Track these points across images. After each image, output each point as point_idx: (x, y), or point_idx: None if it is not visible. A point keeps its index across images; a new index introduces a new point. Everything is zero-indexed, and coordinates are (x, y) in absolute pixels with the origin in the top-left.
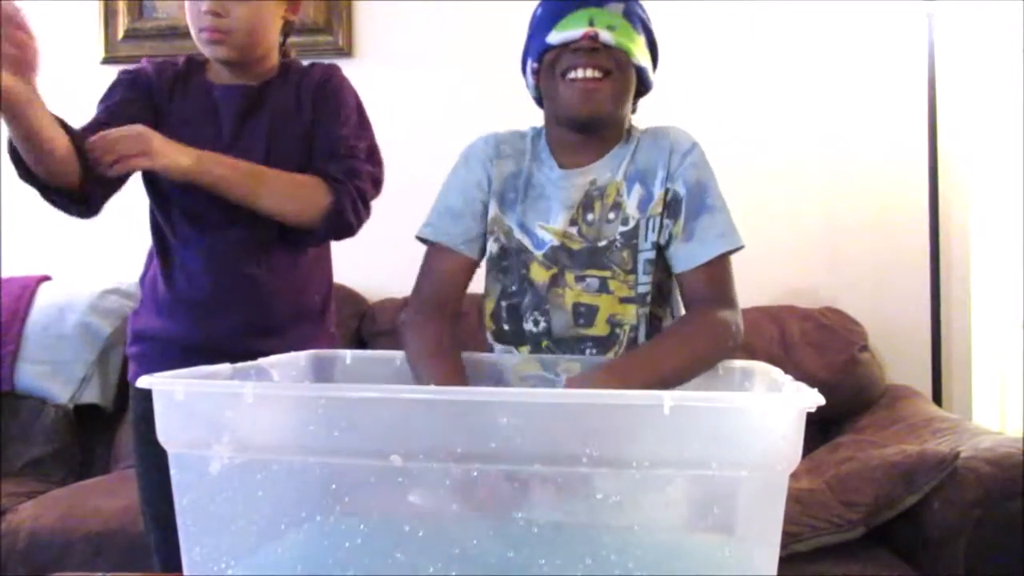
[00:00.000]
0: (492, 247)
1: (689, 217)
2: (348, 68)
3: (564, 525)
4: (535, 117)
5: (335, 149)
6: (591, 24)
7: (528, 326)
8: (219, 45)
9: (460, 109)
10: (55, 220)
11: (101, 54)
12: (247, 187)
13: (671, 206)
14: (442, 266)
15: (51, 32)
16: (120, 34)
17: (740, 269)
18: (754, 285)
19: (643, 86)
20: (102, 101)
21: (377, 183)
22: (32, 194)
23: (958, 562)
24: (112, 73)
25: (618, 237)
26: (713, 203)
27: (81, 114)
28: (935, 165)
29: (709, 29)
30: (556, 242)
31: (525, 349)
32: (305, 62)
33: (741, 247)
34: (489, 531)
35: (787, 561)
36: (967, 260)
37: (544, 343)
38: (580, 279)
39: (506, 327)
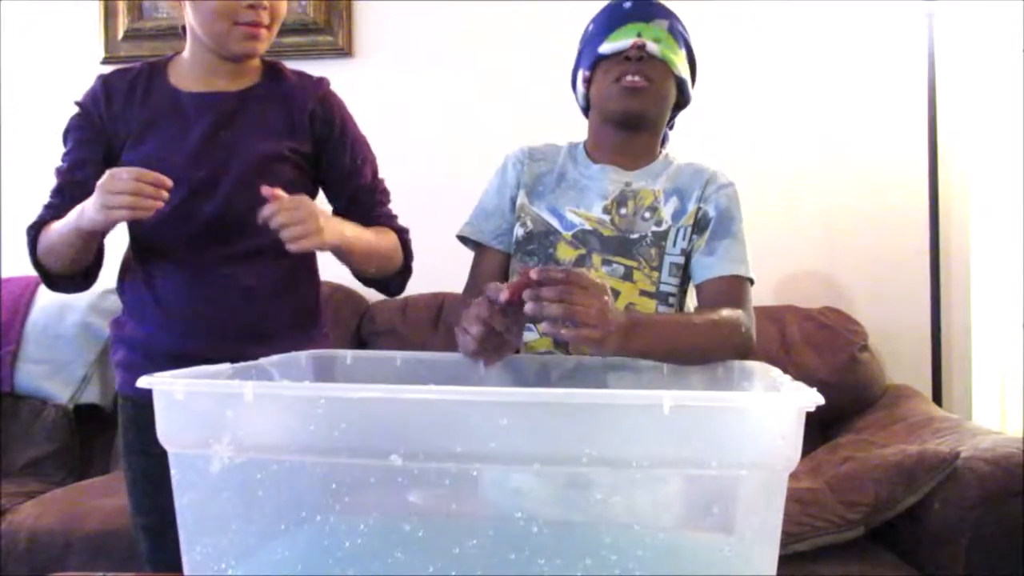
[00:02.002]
0: (518, 231)
1: (713, 237)
2: (348, 68)
3: (564, 525)
4: (535, 116)
5: (375, 196)
6: (639, 36)
7: None
8: (257, 41)
9: (460, 109)
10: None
11: (101, 54)
12: (369, 260)
13: (700, 223)
14: (478, 260)
15: (51, 32)
16: (120, 34)
17: None
18: (754, 285)
19: (682, 98)
20: (64, 147)
21: None
22: (32, 194)
23: (958, 562)
24: None
25: (649, 234)
26: (737, 233)
27: None
28: (935, 165)
29: (709, 29)
30: (587, 226)
31: (542, 326)
32: (290, 65)
33: (751, 280)
34: (489, 531)
35: (787, 561)
36: (967, 260)
37: None
38: (606, 263)
39: None
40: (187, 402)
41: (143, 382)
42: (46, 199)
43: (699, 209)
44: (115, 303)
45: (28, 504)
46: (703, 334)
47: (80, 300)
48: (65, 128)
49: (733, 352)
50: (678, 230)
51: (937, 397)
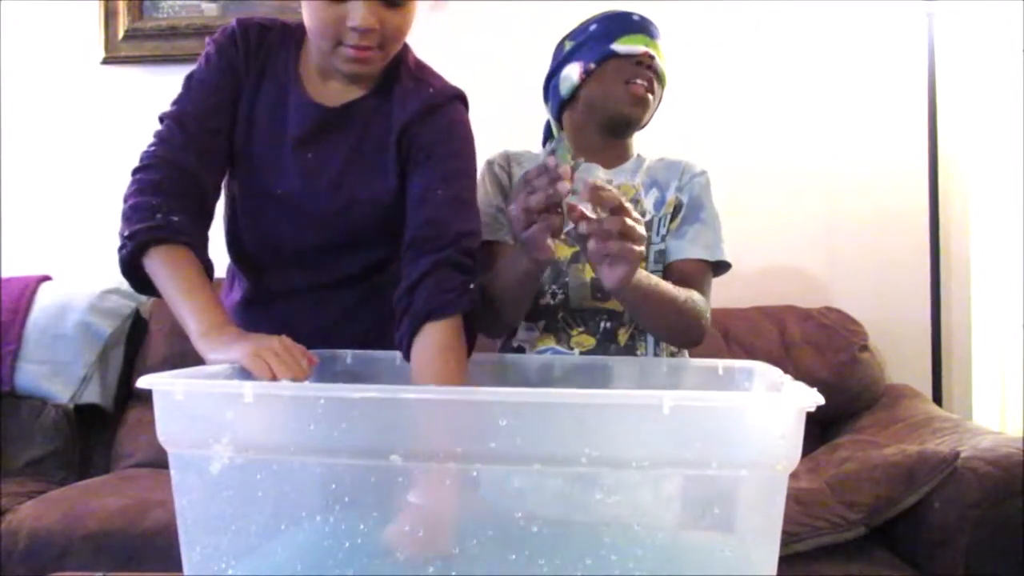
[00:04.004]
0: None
1: (683, 222)
2: None
3: (564, 525)
4: (531, 117)
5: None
6: (646, 47)
7: (546, 300)
8: (365, 65)
9: None
10: (55, 220)
11: (101, 54)
12: None
13: (676, 210)
14: (493, 258)
15: (51, 32)
16: (120, 34)
17: (741, 269)
18: (754, 285)
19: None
20: (190, 79)
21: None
22: (32, 194)
23: (958, 562)
24: (112, 73)
25: None
26: (706, 218)
27: (81, 114)
28: (935, 165)
29: (709, 29)
30: None
31: (541, 323)
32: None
33: (723, 261)
34: (489, 531)
35: (787, 561)
36: (967, 260)
37: (560, 315)
38: None
39: None
40: (187, 402)
41: (143, 382)
42: (160, 152)
43: (677, 198)
44: (116, 303)
45: (28, 504)
46: (681, 309)
47: (80, 300)
48: (193, 72)
49: (695, 327)
50: (660, 219)
51: (937, 397)
